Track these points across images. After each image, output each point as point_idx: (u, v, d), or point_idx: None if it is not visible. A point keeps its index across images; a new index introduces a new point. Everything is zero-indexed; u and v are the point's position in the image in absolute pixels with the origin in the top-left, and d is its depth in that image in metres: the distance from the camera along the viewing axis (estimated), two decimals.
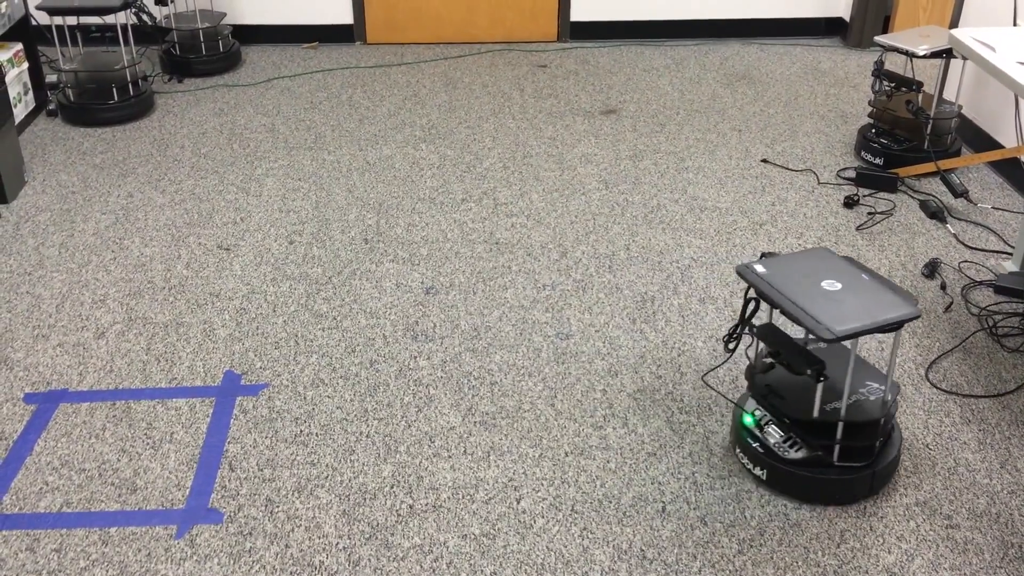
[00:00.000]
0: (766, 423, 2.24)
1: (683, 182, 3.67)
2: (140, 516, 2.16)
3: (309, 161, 3.83)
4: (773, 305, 2.09)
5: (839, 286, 2.13)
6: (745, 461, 2.26)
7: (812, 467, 2.17)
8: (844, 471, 2.16)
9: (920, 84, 3.65)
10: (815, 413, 2.14)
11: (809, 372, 2.08)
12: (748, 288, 2.20)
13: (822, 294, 2.10)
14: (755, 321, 2.28)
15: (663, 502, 2.20)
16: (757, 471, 2.22)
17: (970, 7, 3.94)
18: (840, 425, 2.14)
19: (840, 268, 2.20)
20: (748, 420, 2.27)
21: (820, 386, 2.11)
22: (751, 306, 2.21)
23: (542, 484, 2.25)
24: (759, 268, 2.18)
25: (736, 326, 2.25)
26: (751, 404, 2.32)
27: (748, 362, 2.44)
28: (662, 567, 2.04)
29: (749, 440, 2.24)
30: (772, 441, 2.21)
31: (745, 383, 2.53)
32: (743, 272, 2.18)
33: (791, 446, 2.19)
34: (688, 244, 3.25)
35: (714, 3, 5.16)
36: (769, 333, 2.19)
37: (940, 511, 2.19)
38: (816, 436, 2.16)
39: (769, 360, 2.20)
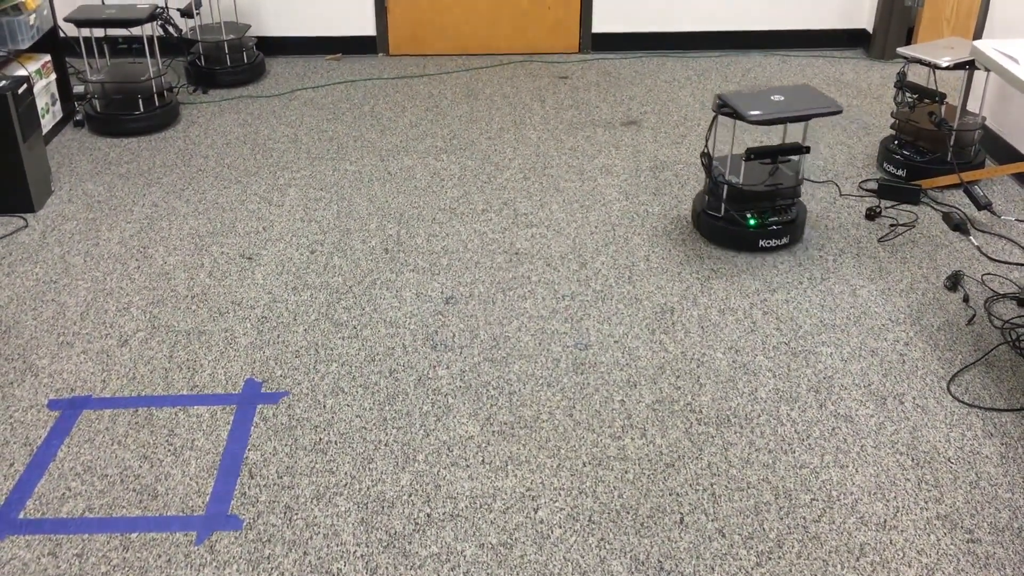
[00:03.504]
0: (753, 217, 3.24)
1: None
2: (161, 522, 2.18)
3: (331, 171, 3.86)
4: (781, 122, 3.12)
5: (781, 98, 3.20)
6: (773, 243, 3.25)
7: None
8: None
9: (943, 96, 3.63)
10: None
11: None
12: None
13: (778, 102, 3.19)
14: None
15: (681, 513, 2.20)
16: (784, 240, 3.26)
17: (994, 19, 3.92)
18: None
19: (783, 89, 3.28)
20: (753, 222, 3.22)
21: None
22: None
23: (560, 494, 2.25)
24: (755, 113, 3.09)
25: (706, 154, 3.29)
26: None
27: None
28: None
29: (765, 229, 3.23)
30: (777, 217, 3.26)
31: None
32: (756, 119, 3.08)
33: (788, 210, 3.30)
34: (707, 255, 3.24)
35: (736, 15, 5.17)
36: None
37: (961, 525, 2.17)
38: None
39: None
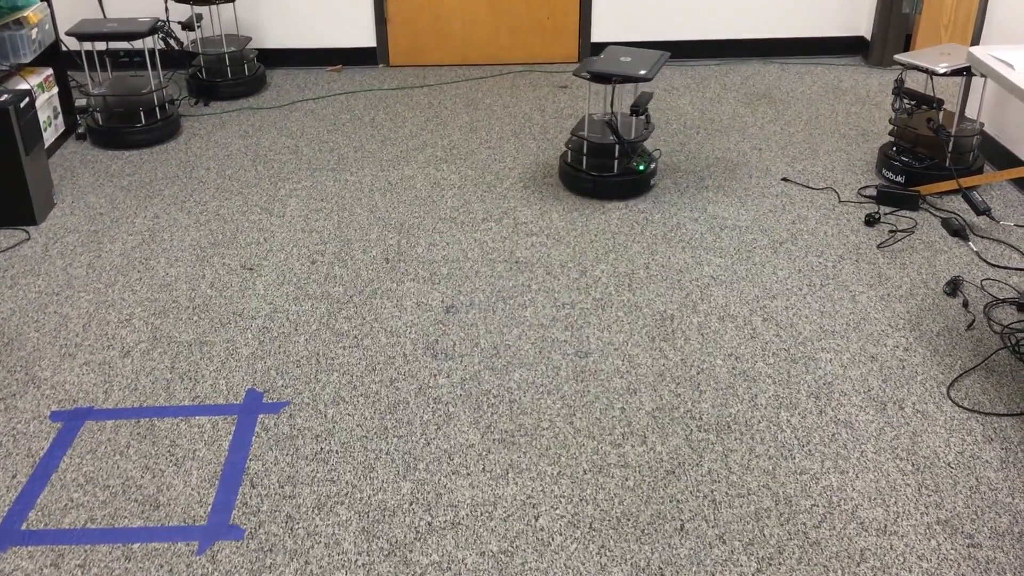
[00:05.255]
0: (640, 163, 3.71)
1: (703, 200, 3.68)
2: (163, 532, 2.19)
3: (332, 182, 3.88)
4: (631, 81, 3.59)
5: (630, 59, 3.66)
6: (656, 180, 3.81)
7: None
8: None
9: (941, 102, 3.65)
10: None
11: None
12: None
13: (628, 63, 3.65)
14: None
15: (681, 520, 2.20)
16: (657, 174, 3.83)
17: (991, 25, 3.94)
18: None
19: (631, 52, 3.75)
20: (642, 167, 3.68)
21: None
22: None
23: (560, 502, 2.26)
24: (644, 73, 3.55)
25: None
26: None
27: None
28: None
29: (651, 170, 3.75)
30: (649, 157, 3.80)
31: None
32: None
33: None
34: (707, 262, 3.25)
35: (735, 23, 5.19)
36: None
37: (962, 530, 2.17)
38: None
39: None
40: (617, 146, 3.63)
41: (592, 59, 3.64)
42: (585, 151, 3.69)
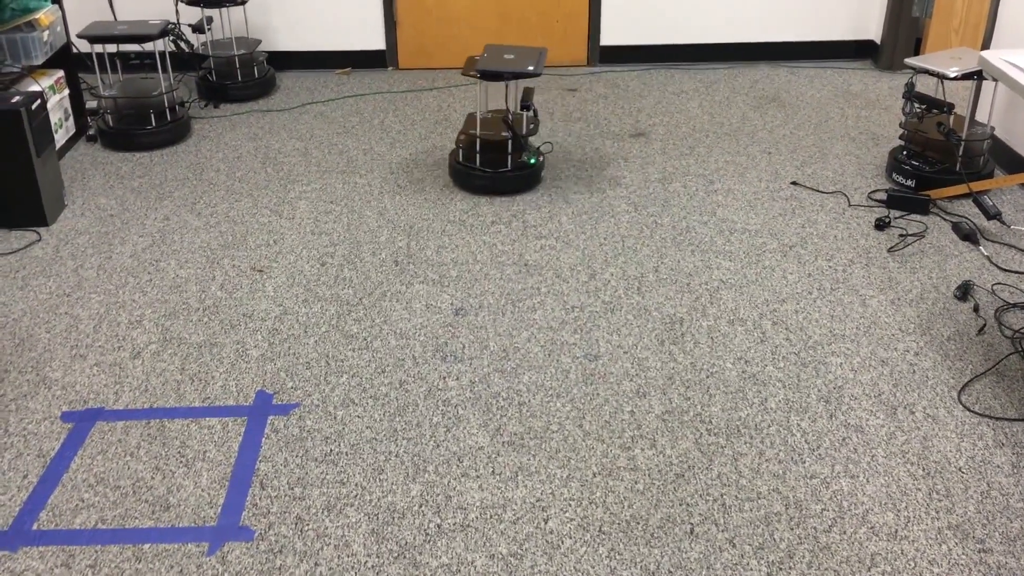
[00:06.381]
0: (531, 157, 3.81)
1: (712, 204, 3.67)
2: (173, 533, 2.20)
3: (341, 184, 3.88)
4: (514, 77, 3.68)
5: (513, 56, 3.74)
6: (545, 171, 3.93)
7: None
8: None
9: (951, 106, 3.64)
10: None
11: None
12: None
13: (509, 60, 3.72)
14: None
15: (691, 524, 2.20)
16: (539, 160, 3.86)
17: (1002, 29, 3.93)
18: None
19: (515, 50, 3.84)
20: (533, 160, 3.78)
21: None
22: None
23: (570, 504, 2.26)
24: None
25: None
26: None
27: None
28: None
29: (540, 162, 3.86)
30: (541, 155, 3.93)
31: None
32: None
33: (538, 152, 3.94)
34: (717, 266, 3.25)
35: (743, 27, 5.18)
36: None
37: (973, 535, 2.16)
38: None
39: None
40: (511, 142, 3.73)
41: (476, 58, 3.73)
42: (478, 148, 3.76)
